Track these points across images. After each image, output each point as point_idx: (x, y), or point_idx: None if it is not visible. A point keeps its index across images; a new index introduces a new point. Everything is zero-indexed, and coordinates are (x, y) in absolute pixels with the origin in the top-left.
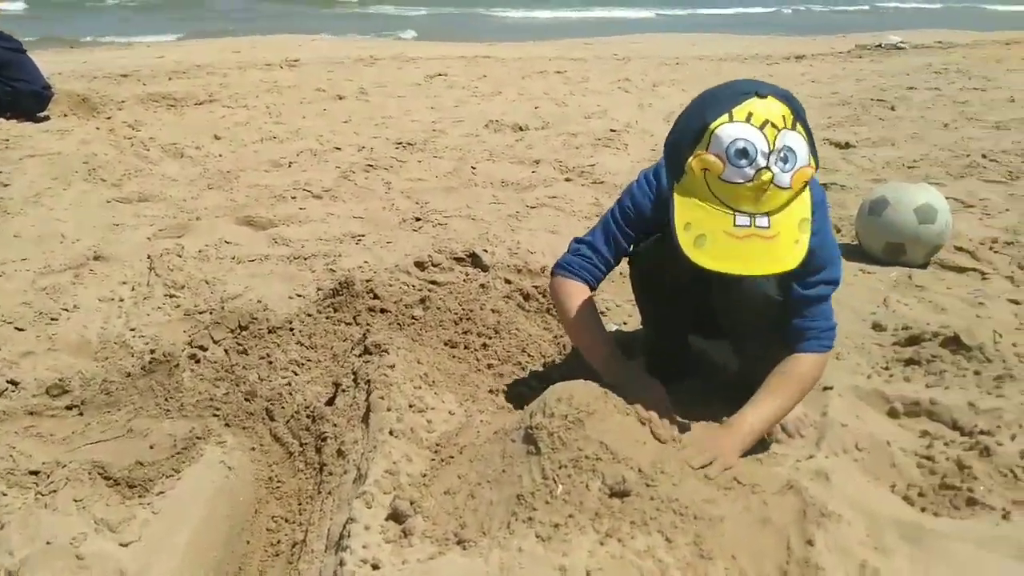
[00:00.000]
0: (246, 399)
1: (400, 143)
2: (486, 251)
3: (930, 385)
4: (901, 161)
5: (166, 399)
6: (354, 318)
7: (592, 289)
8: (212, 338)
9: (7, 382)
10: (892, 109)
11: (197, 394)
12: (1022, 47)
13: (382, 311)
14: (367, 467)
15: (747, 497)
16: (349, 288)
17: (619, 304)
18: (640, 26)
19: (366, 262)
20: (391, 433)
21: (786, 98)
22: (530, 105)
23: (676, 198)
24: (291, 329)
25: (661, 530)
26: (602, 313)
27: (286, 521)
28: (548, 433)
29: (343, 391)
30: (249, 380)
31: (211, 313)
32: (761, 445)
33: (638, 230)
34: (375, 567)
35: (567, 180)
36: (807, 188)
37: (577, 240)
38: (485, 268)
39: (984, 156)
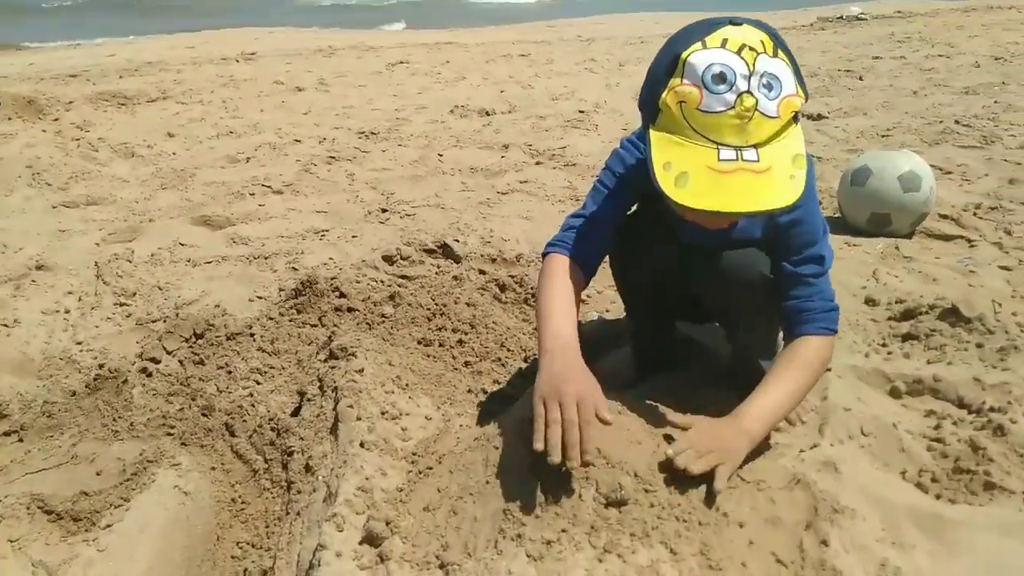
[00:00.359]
0: (203, 414)
1: (363, 133)
2: (458, 241)
3: (932, 361)
4: (875, 130)
5: (114, 419)
6: (319, 319)
7: (583, 265)
8: (165, 349)
9: None
10: (860, 79)
11: (148, 412)
12: (980, 14)
13: (349, 310)
14: (337, 484)
15: (753, 495)
16: (312, 287)
17: (600, 291)
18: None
19: (331, 258)
20: (362, 445)
21: (764, 26)
22: (495, 89)
23: (652, 136)
24: (251, 334)
25: (664, 541)
26: (583, 301)
27: (253, 547)
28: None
29: (309, 400)
30: (206, 393)
31: (164, 321)
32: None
33: (630, 195)
34: None
35: (538, 164)
36: (797, 123)
37: (570, 215)
38: (457, 259)
39: (957, 122)
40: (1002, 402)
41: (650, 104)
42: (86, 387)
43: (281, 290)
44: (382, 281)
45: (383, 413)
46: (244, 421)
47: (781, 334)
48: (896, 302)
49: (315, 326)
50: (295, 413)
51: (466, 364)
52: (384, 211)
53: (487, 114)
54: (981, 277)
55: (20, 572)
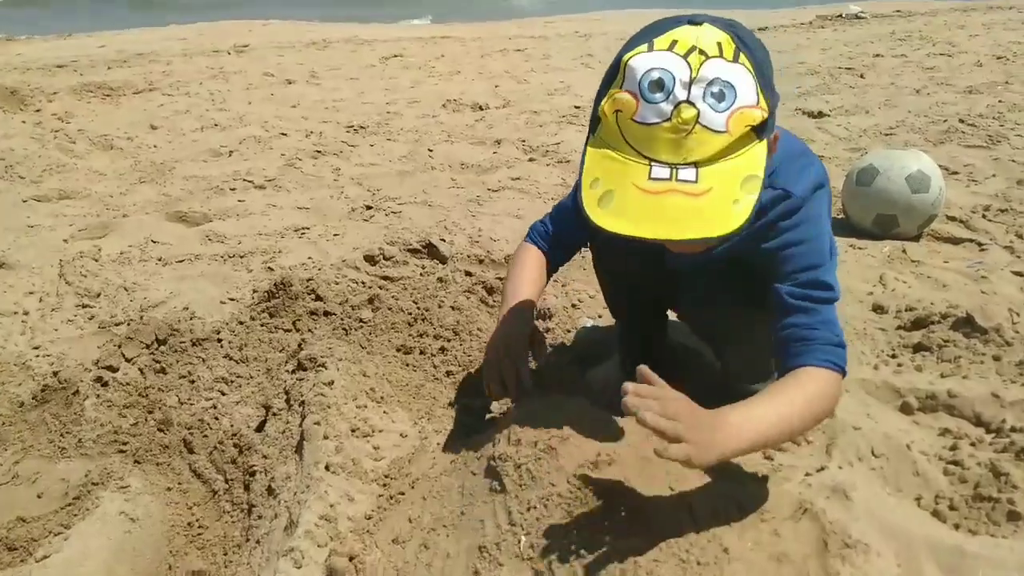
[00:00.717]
0: (160, 429)
1: (351, 127)
2: (444, 240)
3: (945, 374)
4: (877, 128)
5: (62, 434)
6: (293, 323)
7: (550, 256)
8: (124, 356)
9: None
10: (861, 77)
11: (99, 427)
12: (980, 14)
13: (325, 314)
14: (299, 512)
15: (756, 528)
16: (286, 289)
17: (592, 295)
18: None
19: (310, 258)
20: (328, 468)
21: (730, 26)
22: (490, 84)
23: (589, 150)
24: (219, 340)
25: None
26: (573, 306)
27: None
28: (515, 465)
29: (274, 415)
30: (166, 405)
31: (128, 324)
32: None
33: None
34: None
35: (531, 160)
36: (762, 139)
37: (556, 205)
38: (443, 259)
39: (961, 121)
40: None
41: (592, 115)
42: (33, 398)
43: (254, 292)
44: (362, 283)
45: (353, 430)
46: (205, 437)
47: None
48: (906, 310)
49: (288, 331)
50: (260, 428)
51: (448, 374)
52: (369, 208)
53: (480, 109)
54: (993, 283)
55: None
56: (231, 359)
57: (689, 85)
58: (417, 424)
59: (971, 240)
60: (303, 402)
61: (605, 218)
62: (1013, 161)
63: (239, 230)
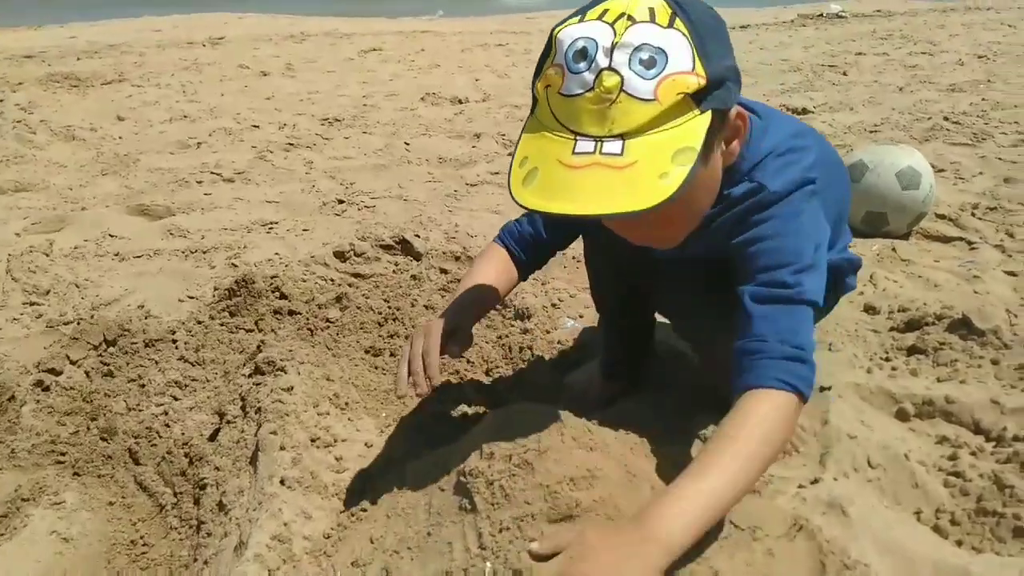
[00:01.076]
0: (103, 438)
1: (327, 119)
2: (419, 236)
3: (942, 379)
4: (862, 125)
5: None
6: (256, 323)
7: (517, 259)
8: (68, 358)
9: None
10: (844, 74)
11: (35, 435)
12: (959, 14)
13: (290, 313)
14: (250, 531)
15: (748, 548)
16: (249, 286)
17: (573, 294)
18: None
19: (277, 254)
20: (282, 482)
21: None
22: (470, 77)
23: (523, 133)
24: (174, 341)
25: None
26: (554, 305)
27: None
28: (486, 482)
29: (229, 423)
30: (111, 411)
31: (79, 323)
32: None
33: None
34: None
35: (510, 155)
36: (703, 110)
37: None
38: (418, 256)
39: (946, 118)
40: None
41: (533, 94)
42: None
43: (215, 289)
44: (331, 280)
45: (313, 440)
46: (153, 446)
47: None
48: (899, 310)
49: (250, 331)
50: (213, 437)
51: None
52: (341, 202)
53: (460, 102)
54: (986, 283)
55: None
56: (186, 361)
57: (611, 51)
58: (384, 433)
59: (961, 239)
60: (259, 409)
61: (526, 196)
62: (999, 159)
63: (203, 224)
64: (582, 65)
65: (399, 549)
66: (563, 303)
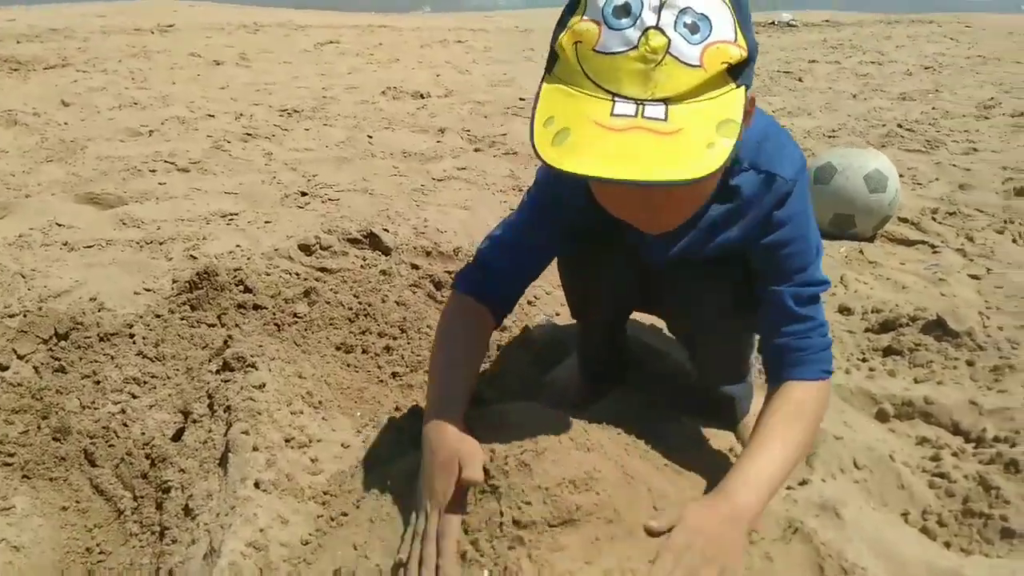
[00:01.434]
0: (55, 438)
1: (285, 110)
2: (387, 230)
3: (919, 380)
4: (820, 130)
5: None
6: (219, 318)
7: (493, 304)
8: (15, 352)
9: None
10: (800, 80)
11: None
12: (904, 26)
13: (255, 308)
14: (222, 538)
15: (746, 551)
16: (211, 279)
17: (549, 291)
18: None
19: (238, 246)
20: (257, 485)
21: None
22: (431, 73)
23: (543, 89)
24: (131, 335)
25: None
26: (529, 303)
27: None
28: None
29: (195, 422)
30: (64, 410)
31: (25, 316)
32: None
33: (551, 221)
34: None
35: (477, 150)
36: (739, 85)
37: (488, 236)
38: (387, 251)
39: (900, 125)
40: (1007, 431)
41: (549, 52)
42: None
43: (174, 282)
44: (297, 274)
45: (288, 440)
46: (111, 447)
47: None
48: (872, 311)
49: (212, 326)
50: (177, 437)
51: (394, 375)
52: (304, 195)
53: (422, 97)
54: (952, 286)
55: None
56: (145, 357)
57: (659, 9)
58: (361, 432)
59: (924, 242)
60: (229, 407)
61: (560, 158)
62: (953, 166)
63: (158, 214)
64: (625, 21)
65: (386, 556)
66: (539, 300)
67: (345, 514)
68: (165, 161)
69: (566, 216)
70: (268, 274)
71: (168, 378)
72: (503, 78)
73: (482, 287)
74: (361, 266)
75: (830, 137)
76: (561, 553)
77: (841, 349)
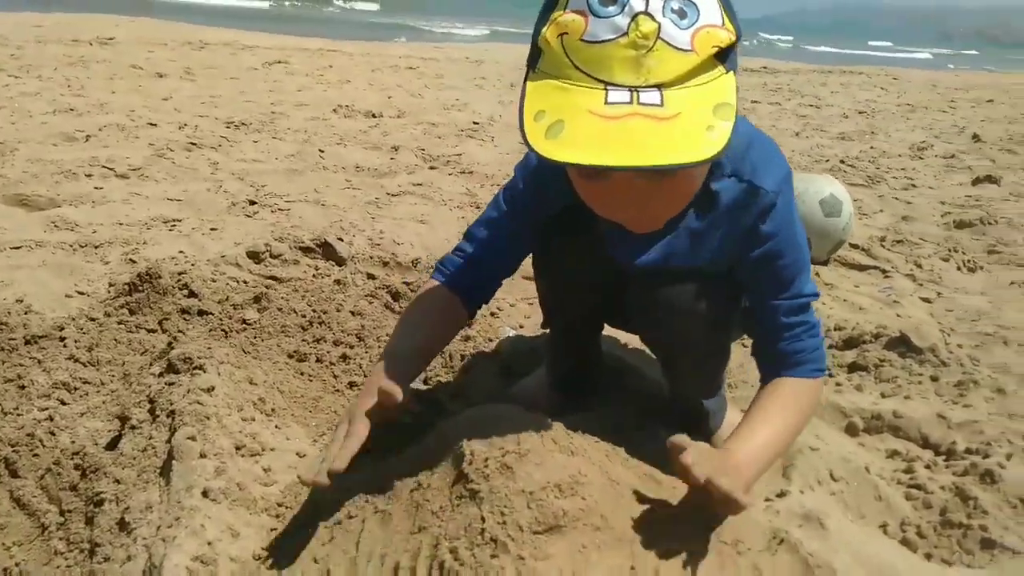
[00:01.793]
0: None
1: (232, 123)
2: (341, 240)
3: (887, 395)
4: None
5: None
6: (160, 323)
7: (464, 294)
8: None
9: None
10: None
11: None
12: (836, 76)
13: (200, 313)
14: (163, 552)
15: (734, 563)
16: (153, 282)
17: (513, 304)
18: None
19: (181, 252)
20: (205, 494)
21: None
22: (383, 95)
23: (528, 86)
24: (61, 339)
25: None
26: (493, 314)
27: None
28: (460, 489)
29: (133, 428)
30: None
31: None
32: None
33: (521, 222)
34: None
35: (432, 168)
36: (728, 69)
37: (468, 230)
38: (341, 261)
39: (842, 162)
40: (977, 443)
41: (531, 49)
42: None
43: (111, 285)
44: (245, 282)
45: (239, 448)
46: (35, 456)
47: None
48: (835, 329)
49: (153, 331)
50: (112, 446)
51: (351, 385)
52: (253, 203)
53: (374, 116)
54: (906, 308)
55: None
56: (77, 361)
57: None
58: (317, 442)
59: (875, 267)
60: (173, 412)
61: (556, 150)
62: (896, 199)
63: (94, 218)
64: (612, 9)
65: (349, 570)
66: (503, 312)
67: (303, 527)
68: (103, 166)
69: (542, 213)
70: (214, 280)
71: (103, 384)
72: (456, 102)
73: (454, 276)
74: (313, 276)
75: None
76: (547, 562)
77: None
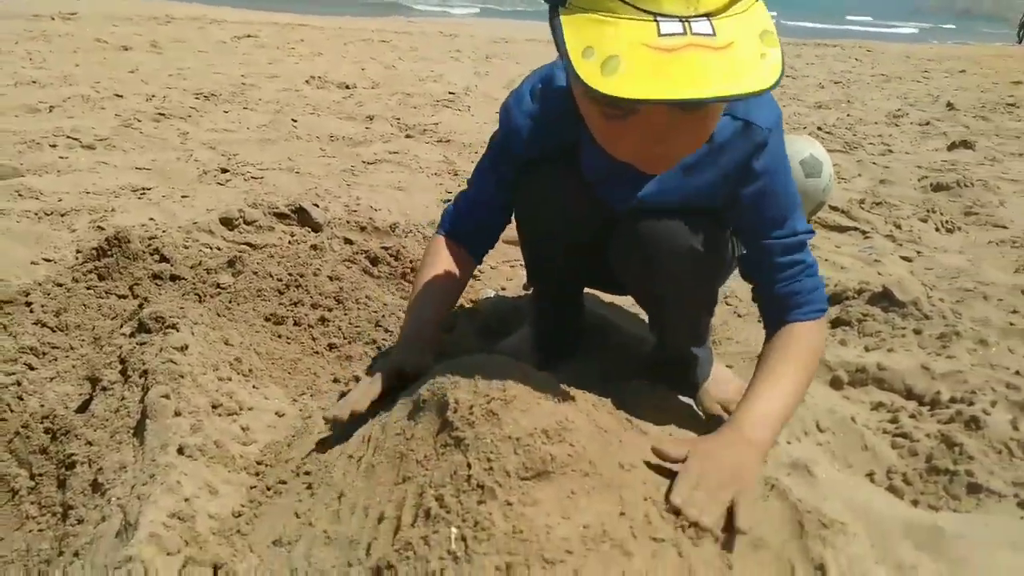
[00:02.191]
0: None
1: (200, 94)
2: (317, 206)
3: (870, 348)
4: None
5: None
6: (131, 288)
7: (468, 246)
8: None
9: None
10: None
11: None
12: (811, 48)
13: (173, 278)
14: (139, 509)
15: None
16: (122, 246)
17: (495, 266)
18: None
19: (152, 219)
20: (181, 451)
21: None
22: (356, 66)
23: (564, 21)
24: (28, 304)
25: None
26: (475, 277)
27: None
28: (445, 437)
29: (104, 389)
30: None
31: None
32: (703, 428)
33: (511, 164)
34: None
35: (408, 137)
36: None
37: (461, 191)
38: (317, 227)
39: (819, 128)
40: (961, 392)
41: None
42: None
43: (79, 252)
44: (218, 248)
45: (215, 406)
46: (3, 421)
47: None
48: None
49: (123, 296)
50: (83, 408)
51: (331, 347)
52: (225, 171)
53: (347, 87)
54: (887, 267)
55: None
56: (44, 326)
57: None
58: (296, 402)
59: (855, 228)
60: (146, 372)
61: (616, 86)
62: (874, 164)
63: (60, 187)
64: None
65: (334, 523)
66: (484, 275)
67: (283, 482)
68: (68, 136)
69: (535, 153)
70: (186, 247)
71: (72, 348)
72: (431, 74)
73: (457, 224)
74: (289, 241)
75: None
76: (535, 507)
77: None
